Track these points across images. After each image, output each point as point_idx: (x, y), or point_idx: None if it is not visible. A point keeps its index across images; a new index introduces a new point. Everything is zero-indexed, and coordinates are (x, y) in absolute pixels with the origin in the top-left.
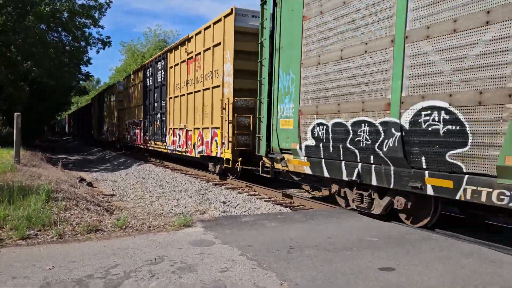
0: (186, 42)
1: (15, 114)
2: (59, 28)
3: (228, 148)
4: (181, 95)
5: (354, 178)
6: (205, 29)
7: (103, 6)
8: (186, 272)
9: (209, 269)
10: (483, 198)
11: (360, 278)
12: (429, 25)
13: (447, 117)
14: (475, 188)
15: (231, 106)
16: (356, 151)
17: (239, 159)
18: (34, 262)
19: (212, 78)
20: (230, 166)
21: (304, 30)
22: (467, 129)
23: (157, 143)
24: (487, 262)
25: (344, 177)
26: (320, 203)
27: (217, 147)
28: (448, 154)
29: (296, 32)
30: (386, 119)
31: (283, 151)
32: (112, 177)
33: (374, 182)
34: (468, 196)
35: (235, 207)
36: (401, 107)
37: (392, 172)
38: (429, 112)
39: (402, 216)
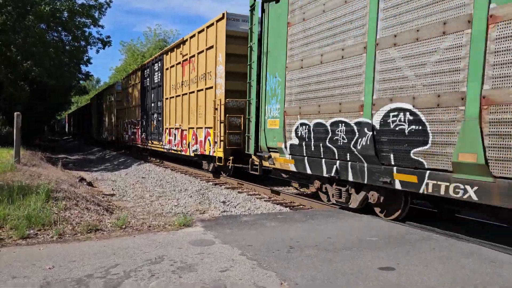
0: (181, 45)
1: (15, 113)
2: (59, 28)
3: (220, 147)
4: (176, 96)
5: (333, 174)
6: (199, 32)
7: (103, 6)
8: (186, 272)
9: (209, 269)
10: (442, 191)
11: (360, 278)
12: (396, 34)
13: (411, 118)
14: (435, 182)
15: (223, 106)
16: (334, 149)
17: (231, 158)
18: (34, 262)
19: (205, 79)
20: (222, 164)
21: (288, 35)
22: (428, 129)
23: (154, 142)
24: (487, 262)
25: (324, 174)
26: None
27: (210, 146)
28: (412, 151)
29: (282, 37)
30: (360, 119)
31: (270, 150)
32: (112, 177)
33: (350, 178)
34: (430, 190)
35: (235, 207)
36: (373, 109)
37: (365, 168)
38: (396, 113)
39: (377, 209)
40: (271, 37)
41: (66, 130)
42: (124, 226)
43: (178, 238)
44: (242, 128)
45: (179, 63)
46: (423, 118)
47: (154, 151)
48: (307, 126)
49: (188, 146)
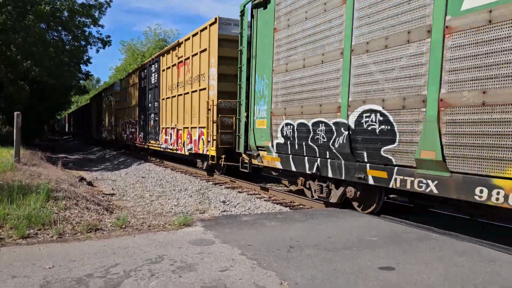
0: (177, 47)
1: (15, 113)
2: (59, 27)
3: (213, 146)
4: (172, 97)
5: (314, 171)
6: (193, 35)
7: (103, 5)
8: (186, 271)
9: (209, 268)
10: (408, 186)
11: (360, 277)
12: (368, 41)
13: (381, 118)
14: (402, 177)
15: (215, 107)
16: (316, 147)
17: (223, 156)
18: (34, 261)
19: (199, 81)
20: (215, 162)
21: (275, 40)
22: (396, 128)
23: (151, 141)
24: (487, 261)
25: (307, 171)
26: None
27: (203, 145)
28: (382, 149)
29: (269, 42)
30: (337, 120)
31: (259, 148)
32: (112, 176)
33: (330, 174)
34: (398, 185)
35: (235, 207)
36: (348, 110)
37: (343, 165)
38: (368, 114)
39: (355, 204)
40: (259, 42)
41: (66, 129)
42: (124, 226)
43: (178, 237)
44: (233, 127)
45: (175, 64)
46: (391, 118)
47: (151, 150)
48: (291, 126)
49: (183, 145)
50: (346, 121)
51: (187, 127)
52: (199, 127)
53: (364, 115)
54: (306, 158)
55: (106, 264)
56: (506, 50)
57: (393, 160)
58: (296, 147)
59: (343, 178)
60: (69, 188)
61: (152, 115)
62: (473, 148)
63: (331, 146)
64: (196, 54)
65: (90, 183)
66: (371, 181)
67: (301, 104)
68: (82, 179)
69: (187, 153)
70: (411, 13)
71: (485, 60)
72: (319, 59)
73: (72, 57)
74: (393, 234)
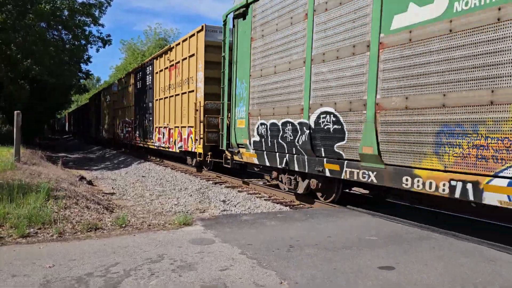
0: (169, 51)
1: (15, 112)
2: (59, 26)
3: (200, 144)
4: (164, 98)
5: (284, 165)
6: (183, 41)
7: (103, 4)
8: (186, 271)
9: (209, 268)
10: (355, 177)
11: (359, 277)
12: (324, 52)
13: (334, 119)
14: (351, 170)
15: (202, 108)
16: (284, 144)
17: (209, 153)
18: (34, 260)
19: (188, 83)
20: (202, 159)
21: (252, 48)
22: (345, 128)
23: (146, 140)
24: (487, 261)
25: (278, 165)
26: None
27: (192, 143)
28: (335, 145)
29: (247, 49)
30: (301, 120)
31: (239, 146)
32: (112, 176)
33: (296, 168)
34: (348, 176)
35: (235, 206)
36: (309, 112)
37: (306, 160)
38: (325, 115)
39: (319, 194)
40: (240, 49)
41: (66, 128)
42: (124, 225)
43: (178, 237)
44: (219, 127)
45: (167, 68)
46: (341, 119)
47: (145, 148)
48: (265, 126)
49: (174, 143)
50: (307, 121)
51: (178, 127)
52: (188, 126)
53: (321, 116)
54: (277, 154)
55: (106, 263)
56: (421, 64)
57: (343, 155)
58: (269, 144)
59: (306, 171)
60: (69, 187)
61: (147, 115)
62: (400, 144)
63: (296, 143)
64: (186, 58)
65: (90, 182)
66: (328, 174)
67: (273, 106)
68: (82, 178)
69: (177, 150)
70: (355, 30)
71: (407, 71)
72: (287, 66)
73: (72, 56)
74: (393, 233)
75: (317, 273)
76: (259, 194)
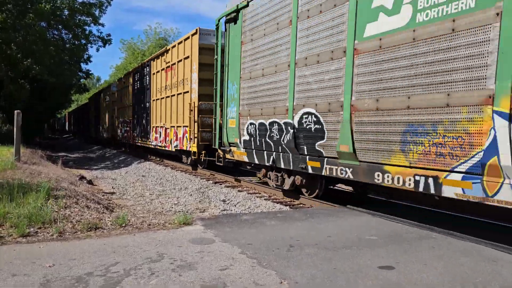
0: (165, 53)
1: (15, 112)
2: (60, 26)
3: (194, 143)
4: (161, 98)
5: (271, 163)
6: (179, 43)
7: (103, 4)
8: (186, 270)
9: (209, 267)
10: (334, 173)
11: (359, 276)
12: (307, 56)
13: (315, 119)
14: (330, 166)
15: (196, 108)
16: (271, 143)
17: (203, 152)
18: (34, 260)
19: (183, 85)
20: (196, 157)
21: (242, 51)
22: (324, 127)
23: (143, 139)
24: (487, 260)
25: (266, 163)
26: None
27: (187, 142)
28: (316, 144)
29: (237, 53)
30: (286, 120)
31: (231, 144)
32: (112, 175)
33: (282, 165)
34: (328, 172)
35: (235, 206)
36: (293, 112)
37: (290, 157)
38: (307, 116)
39: (303, 190)
40: (231, 52)
41: (66, 128)
42: (124, 224)
43: (178, 236)
44: (212, 126)
45: (163, 69)
46: (321, 119)
47: (143, 147)
48: (254, 125)
49: (170, 143)
50: (292, 121)
51: (174, 126)
52: (183, 126)
53: (304, 116)
54: (265, 152)
55: (106, 262)
56: (389, 69)
57: (324, 152)
58: (258, 143)
59: (291, 168)
60: (69, 186)
61: (144, 115)
62: (372, 142)
63: (282, 142)
64: (181, 60)
65: (90, 182)
66: (310, 170)
67: (261, 107)
68: (82, 177)
69: (173, 149)
70: (333, 36)
71: (378, 76)
72: (273, 69)
73: (73, 56)
74: (393, 233)
75: (317, 273)
76: (259, 193)
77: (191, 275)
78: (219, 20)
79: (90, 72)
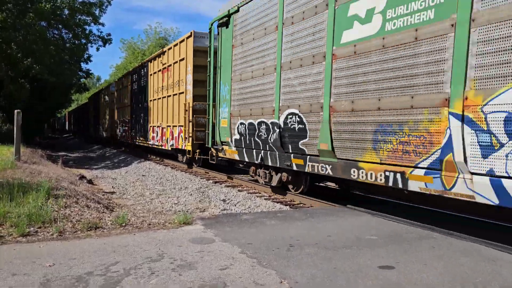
0: (161, 55)
1: (15, 111)
2: (60, 25)
3: (189, 142)
4: (158, 99)
5: (259, 161)
6: (175, 45)
7: (103, 3)
8: (186, 270)
9: (209, 267)
10: (315, 170)
11: (359, 276)
12: (291, 60)
13: (298, 119)
14: (312, 163)
15: (191, 108)
16: (260, 142)
17: (198, 151)
18: (34, 259)
19: (179, 86)
20: (191, 156)
21: (233, 54)
22: (307, 127)
23: (141, 138)
24: (487, 260)
25: (255, 161)
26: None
27: (182, 141)
28: (300, 142)
29: (229, 55)
30: (273, 120)
31: (223, 143)
32: (112, 175)
33: (270, 163)
34: (310, 169)
35: (235, 205)
36: (279, 113)
37: (277, 155)
38: (291, 116)
39: (290, 186)
40: (223, 55)
41: (66, 127)
42: (124, 224)
43: (178, 236)
44: (206, 126)
45: (160, 70)
46: (304, 119)
47: (141, 146)
48: (244, 125)
49: (167, 142)
50: (278, 121)
51: (170, 126)
52: (179, 126)
53: (289, 116)
54: (254, 150)
55: (106, 262)
56: (363, 73)
57: (306, 150)
58: (247, 142)
59: (278, 165)
60: (69, 186)
61: (142, 115)
62: (348, 141)
63: (269, 141)
64: (177, 62)
65: (90, 181)
66: (295, 167)
67: (250, 107)
68: (82, 177)
69: (169, 148)
70: (315, 42)
71: (353, 79)
72: (261, 72)
73: (73, 55)
74: (393, 233)
75: (317, 272)
76: (259, 193)
77: (191, 274)
78: (212, 24)
79: (90, 72)
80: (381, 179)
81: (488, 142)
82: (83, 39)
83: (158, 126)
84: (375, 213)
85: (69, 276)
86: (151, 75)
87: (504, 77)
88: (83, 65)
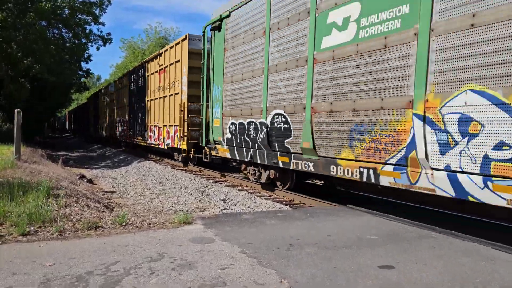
0: (158, 57)
1: (16, 110)
2: (60, 25)
3: (184, 141)
4: (155, 99)
5: (249, 159)
6: (170, 48)
7: (103, 3)
8: (186, 269)
9: (209, 266)
10: (299, 167)
11: (359, 276)
12: (277, 64)
13: (283, 119)
14: (296, 161)
15: (186, 109)
16: (249, 141)
17: (192, 149)
18: (34, 259)
19: (174, 86)
20: (186, 154)
21: (225, 57)
22: (291, 127)
23: (139, 138)
24: (487, 260)
25: (245, 159)
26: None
27: (178, 140)
28: (285, 141)
29: (221, 58)
30: (261, 120)
31: (216, 142)
32: (112, 174)
33: (258, 161)
34: (294, 166)
35: (235, 205)
36: (267, 113)
37: (265, 154)
38: (277, 116)
39: (278, 183)
40: (216, 57)
41: (66, 127)
42: (124, 224)
43: (178, 235)
44: (200, 125)
45: (157, 71)
46: (289, 119)
47: (138, 145)
48: (235, 125)
49: (163, 141)
50: (265, 121)
51: (166, 125)
52: (175, 125)
53: (275, 117)
54: (244, 149)
55: (106, 261)
56: (340, 77)
57: (291, 149)
58: (238, 141)
59: (266, 163)
60: (69, 185)
61: (140, 114)
62: (327, 140)
63: (258, 140)
64: (172, 63)
65: (90, 181)
66: (281, 165)
67: (240, 108)
68: (82, 176)
69: (166, 147)
70: (298, 47)
71: (331, 82)
72: (250, 74)
73: (73, 55)
74: (393, 233)
75: (317, 272)
76: (259, 193)
77: (191, 274)
78: (205, 28)
79: (90, 71)
80: (356, 175)
81: (445, 141)
82: (83, 38)
83: (155, 126)
84: (375, 213)
85: (69, 276)
86: (148, 76)
87: (458, 81)
88: (83, 65)
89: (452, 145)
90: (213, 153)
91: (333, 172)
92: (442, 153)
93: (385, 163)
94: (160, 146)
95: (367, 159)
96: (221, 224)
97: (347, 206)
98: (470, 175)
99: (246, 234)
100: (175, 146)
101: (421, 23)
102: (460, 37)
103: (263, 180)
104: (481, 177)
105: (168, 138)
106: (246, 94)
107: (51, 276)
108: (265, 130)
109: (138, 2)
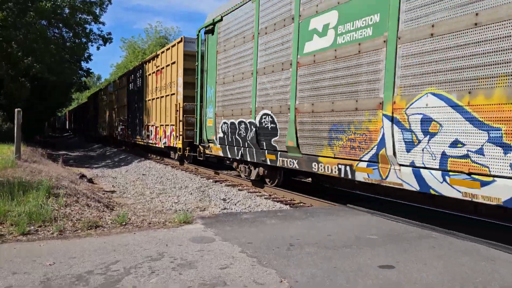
0: (156, 58)
1: (16, 110)
2: (60, 24)
3: (179, 140)
4: (152, 99)
5: (240, 157)
6: (167, 49)
7: (104, 2)
8: (186, 269)
9: (209, 266)
10: (285, 164)
11: (359, 275)
12: (265, 66)
13: (270, 119)
14: (282, 159)
15: (181, 109)
16: (240, 139)
17: (188, 148)
18: (35, 258)
19: (171, 87)
20: (181, 153)
21: (217, 60)
22: (277, 126)
23: (137, 137)
24: (487, 260)
25: (236, 157)
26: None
27: (173, 139)
28: (272, 140)
29: (214, 60)
30: (250, 120)
31: (209, 141)
32: (113, 174)
33: (248, 158)
34: (281, 164)
35: (235, 204)
36: (255, 113)
37: (254, 152)
38: (265, 116)
39: (267, 180)
40: (209, 59)
41: (66, 126)
42: (124, 223)
43: (178, 235)
44: (195, 125)
45: (154, 72)
46: (275, 119)
47: (136, 144)
48: (227, 124)
49: (160, 140)
50: (254, 121)
51: (163, 125)
52: (171, 125)
53: (263, 117)
54: (235, 147)
55: (107, 261)
56: (320, 79)
57: (277, 147)
58: (230, 140)
59: (255, 161)
60: (69, 185)
61: (138, 114)
62: (309, 138)
63: (247, 138)
64: (169, 65)
65: (90, 180)
66: (268, 162)
67: (232, 108)
68: (82, 176)
69: (162, 146)
70: (283, 51)
71: (312, 84)
72: (241, 76)
73: (73, 54)
74: (393, 232)
75: (317, 272)
76: (259, 192)
77: (191, 273)
78: (199, 31)
79: (90, 71)
80: (335, 171)
81: (410, 139)
82: (84, 38)
83: (152, 125)
84: (375, 213)
85: (69, 275)
86: (146, 76)
87: (420, 85)
88: (83, 64)
89: (416, 143)
90: (207, 151)
91: (314, 169)
92: (408, 151)
93: (360, 160)
94: (157, 145)
95: (344, 157)
96: (221, 223)
97: (347, 206)
98: (431, 170)
99: (246, 233)
100: (171, 145)
101: (389, 32)
102: (422, 45)
103: (253, 177)
104: (440, 172)
105: (165, 137)
106: (237, 95)
107: (51, 275)
108: (254, 129)
109: (138, 1)
